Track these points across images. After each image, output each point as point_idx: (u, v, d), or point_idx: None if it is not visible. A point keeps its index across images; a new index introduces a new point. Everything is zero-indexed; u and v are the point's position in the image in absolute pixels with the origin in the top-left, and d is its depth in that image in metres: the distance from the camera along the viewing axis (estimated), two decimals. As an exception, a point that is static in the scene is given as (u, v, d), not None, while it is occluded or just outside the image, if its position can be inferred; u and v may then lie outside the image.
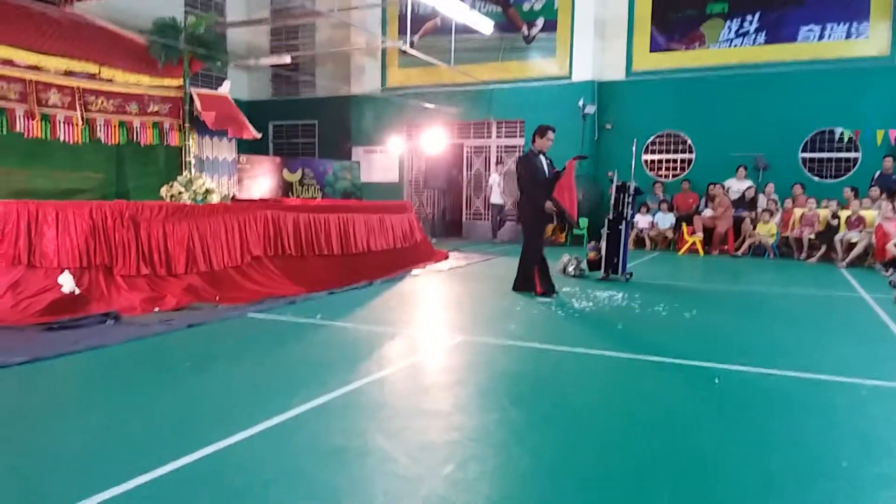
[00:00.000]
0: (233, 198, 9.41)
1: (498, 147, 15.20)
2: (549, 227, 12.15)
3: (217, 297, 6.06)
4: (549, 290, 6.85)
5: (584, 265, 8.52)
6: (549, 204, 6.72)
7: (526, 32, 14.49)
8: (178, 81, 8.71)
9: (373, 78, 16.02)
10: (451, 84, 14.86)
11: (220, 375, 3.88)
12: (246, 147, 12.67)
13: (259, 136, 9.94)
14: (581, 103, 13.43)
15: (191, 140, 8.76)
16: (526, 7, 14.48)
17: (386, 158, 15.84)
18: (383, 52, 15.83)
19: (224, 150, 9.82)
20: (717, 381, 3.22)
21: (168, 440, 2.76)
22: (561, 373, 4.02)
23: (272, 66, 16.09)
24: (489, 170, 15.28)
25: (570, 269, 8.49)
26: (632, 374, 4.06)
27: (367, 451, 2.69)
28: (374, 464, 2.58)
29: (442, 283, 7.97)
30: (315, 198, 12.78)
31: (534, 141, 7.03)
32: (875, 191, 10.68)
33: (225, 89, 9.90)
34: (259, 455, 2.64)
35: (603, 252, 8.22)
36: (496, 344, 4.69)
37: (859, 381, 3.83)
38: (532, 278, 6.92)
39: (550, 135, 6.96)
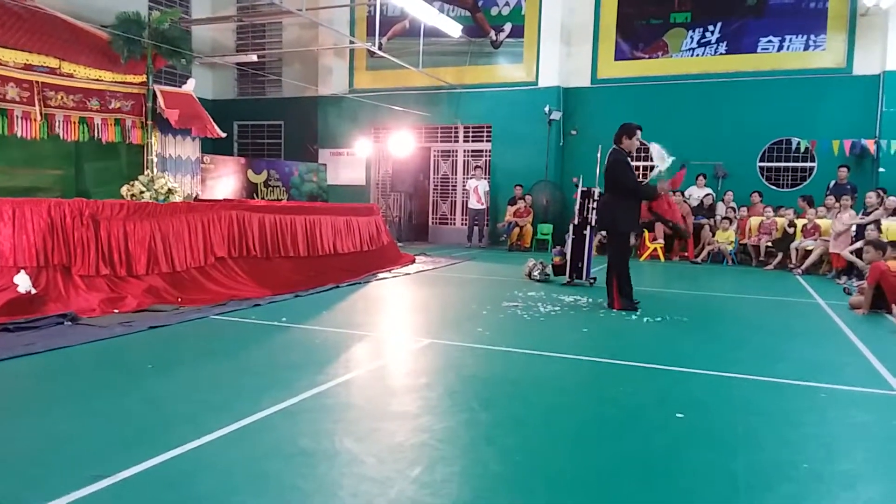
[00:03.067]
0: (196, 198, 9.25)
1: (465, 151, 15.25)
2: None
3: (179, 299, 5.95)
4: (629, 304, 6.34)
5: (549, 270, 8.60)
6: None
7: (494, 37, 14.59)
8: (142, 78, 8.54)
9: (340, 79, 15.94)
10: (418, 87, 14.87)
11: (183, 378, 3.81)
12: (210, 147, 12.50)
13: (223, 135, 9.81)
14: (547, 109, 13.57)
15: (153, 138, 8.60)
16: (494, 12, 14.57)
17: (353, 161, 15.76)
18: (351, 53, 15.77)
19: (187, 150, 9.65)
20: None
21: (129, 444, 2.70)
22: (528, 375, 4.05)
23: (238, 64, 15.90)
24: (456, 174, 15.33)
25: (536, 273, 8.56)
26: (598, 376, 4.11)
27: (335, 454, 2.67)
28: (342, 466, 2.56)
29: (409, 286, 7.96)
30: (280, 199, 12.66)
31: (620, 141, 6.53)
32: (830, 199, 11.01)
33: (189, 87, 9.74)
34: (225, 458, 2.60)
35: (568, 257, 8.31)
36: (464, 347, 4.71)
37: (817, 384, 3.94)
38: (611, 288, 6.46)
39: (639, 134, 6.51)
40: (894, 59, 11.64)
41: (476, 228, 14.10)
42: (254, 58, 14.59)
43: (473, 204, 14.07)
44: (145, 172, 8.18)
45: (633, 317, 6.05)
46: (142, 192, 7.53)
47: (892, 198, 10.34)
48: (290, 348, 4.66)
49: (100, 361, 4.11)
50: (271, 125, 17.32)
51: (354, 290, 7.33)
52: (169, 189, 7.88)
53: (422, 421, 3.12)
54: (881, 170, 11.64)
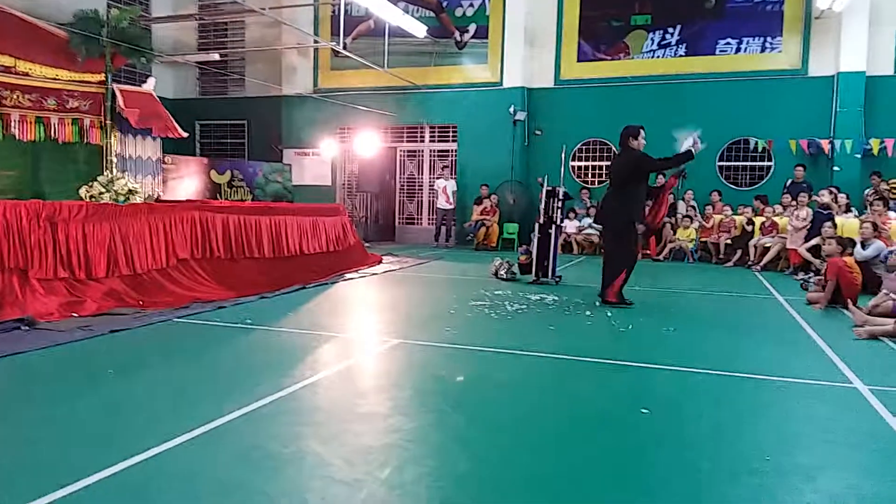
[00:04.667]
0: (157, 199, 9.08)
1: (431, 151, 15.26)
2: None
3: (141, 302, 5.84)
4: (622, 299, 6.58)
5: (515, 268, 8.66)
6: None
7: (458, 38, 14.63)
8: (100, 77, 8.35)
9: (305, 78, 15.81)
10: (384, 87, 14.83)
11: (145, 383, 3.74)
12: (171, 147, 12.23)
13: (185, 135, 9.64)
14: (512, 109, 13.66)
15: (113, 138, 8.41)
16: (458, 13, 14.61)
17: (318, 161, 15.64)
18: (316, 52, 15.65)
19: (148, 150, 9.46)
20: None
21: (88, 451, 2.64)
22: (496, 374, 4.07)
23: (200, 63, 15.66)
24: (423, 174, 15.32)
25: (502, 272, 8.61)
26: (565, 374, 4.15)
27: (302, 457, 2.65)
28: (309, 469, 2.54)
29: (376, 286, 7.93)
30: (245, 200, 12.50)
31: (628, 142, 6.70)
32: (787, 198, 11.29)
33: (149, 86, 9.55)
34: (188, 464, 2.56)
35: (534, 256, 8.37)
36: (432, 346, 4.71)
37: (777, 378, 4.04)
38: (612, 281, 6.59)
39: (643, 133, 6.71)
40: (848, 61, 12.00)
41: (444, 228, 14.10)
42: (216, 56, 14.37)
43: (442, 204, 14.06)
44: (105, 173, 8.01)
45: (599, 314, 6.13)
46: (101, 193, 7.36)
47: (842, 195, 10.67)
48: (254, 351, 4.61)
49: (58, 367, 4.01)
50: (234, 125, 17.08)
51: (321, 291, 7.28)
52: (129, 190, 7.72)
53: (391, 422, 3.11)
54: (836, 168, 11.98)
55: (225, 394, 3.43)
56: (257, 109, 16.27)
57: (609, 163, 13.73)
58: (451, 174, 14.45)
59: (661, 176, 10.16)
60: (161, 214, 6.62)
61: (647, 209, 6.96)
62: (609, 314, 6.13)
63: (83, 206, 6.02)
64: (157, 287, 6.23)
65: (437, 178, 14.50)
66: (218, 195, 12.52)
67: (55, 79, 8.06)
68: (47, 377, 3.82)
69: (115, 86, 8.51)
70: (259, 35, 16.30)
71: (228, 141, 17.23)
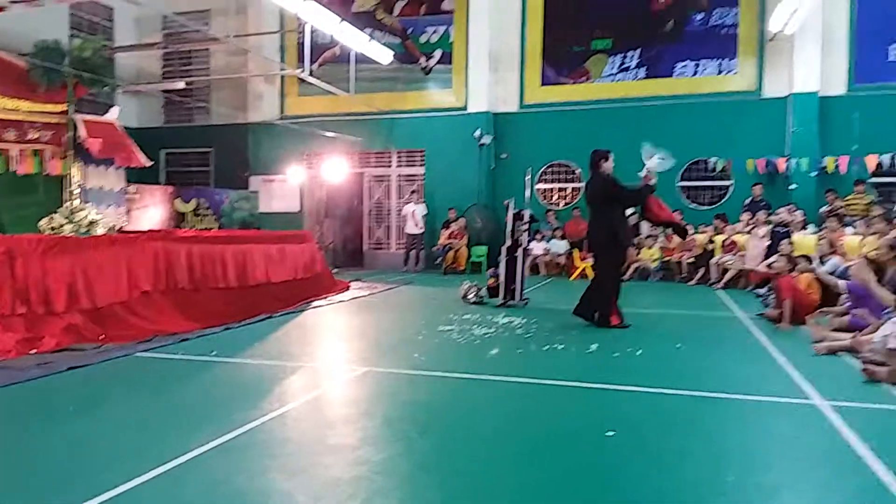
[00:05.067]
0: (120, 230, 8.96)
1: (399, 176, 15.31)
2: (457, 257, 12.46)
3: (102, 337, 5.72)
4: (623, 321, 6.75)
5: (483, 292, 8.70)
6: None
7: (424, 64, 14.79)
8: (62, 107, 8.27)
9: (271, 105, 15.79)
10: (351, 113, 14.88)
11: (106, 419, 3.67)
12: (136, 176, 12.11)
13: (149, 164, 9.58)
14: (477, 134, 13.81)
15: (74, 169, 8.31)
16: (423, 39, 14.79)
17: (285, 187, 15.57)
18: (282, 79, 15.66)
19: (111, 180, 9.37)
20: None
21: (49, 492, 2.58)
22: (466, 400, 4.08)
23: (164, 91, 15.55)
24: (391, 198, 15.35)
25: (471, 296, 8.64)
26: (532, 398, 4.18)
27: (269, 493, 2.62)
28: (276, 505, 2.52)
29: (344, 313, 7.90)
30: (211, 228, 12.39)
31: (599, 166, 6.96)
32: (746, 216, 11.58)
33: (113, 115, 9.48)
34: (152, 503, 2.52)
35: (501, 279, 8.43)
36: (402, 374, 4.71)
37: (739, 396, 4.13)
38: (609, 308, 6.77)
39: (612, 158, 7.01)
40: (801, 82, 12.40)
41: (413, 252, 14.10)
42: (181, 85, 14.30)
43: (410, 228, 14.02)
44: (66, 205, 7.90)
45: (560, 337, 6.18)
46: (62, 226, 7.25)
47: (798, 212, 10.97)
48: (220, 383, 4.55)
49: (15, 405, 3.91)
50: (200, 153, 16.94)
51: (289, 320, 7.23)
52: (91, 221, 7.61)
53: (359, 453, 3.10)
54: (792, 186, 12.32)
55: (190, 429, 3.38)
56: (223, 137, 16.18)
57: (582, 185, 13.97)
58: (420, 198, 14.49)
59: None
60: (123, 246, 6.51)
61: (635, 226, 7.10)
62: (575, 333, 6.18)
63: (42, 239, 5.90)
64: (119, 321, 6.11)
65: (406, 203, 14.52)
66: (183, 224, 12.39)
67: (15, 110, 7.97)
68: (4, 416, 3.73)
69: (77, 116, 8.44)
70: (224, 63, 16.27)
71: (194, 169, 17.07)
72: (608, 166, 6.96)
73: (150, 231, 9.00)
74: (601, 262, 7.05)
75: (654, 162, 6.93)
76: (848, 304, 6.44)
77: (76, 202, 8.19)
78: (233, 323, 6.76)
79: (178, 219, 12.44)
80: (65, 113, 8.28)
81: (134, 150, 9.23)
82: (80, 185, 8.51)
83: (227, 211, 13.45)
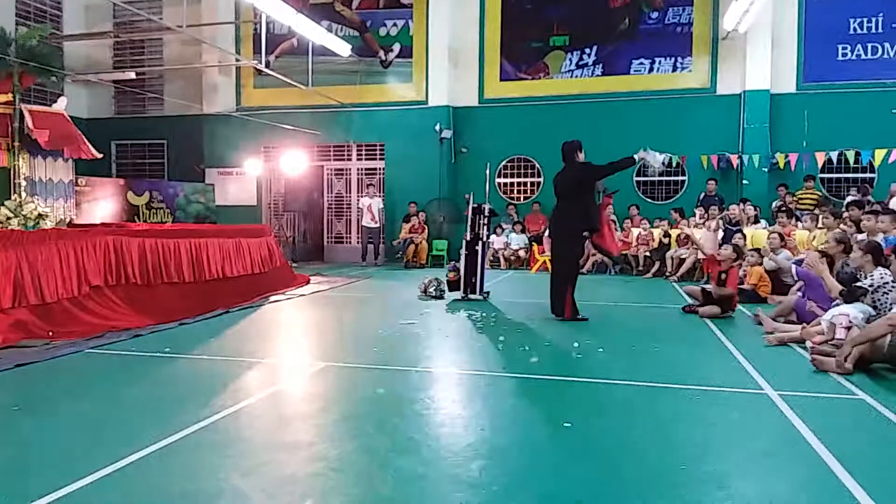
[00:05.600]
0: (70, 223, 8.69)
1: (359, 170, 15.20)
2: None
3: (50, 333, 5.54)
4: (578, 314, 6.78)
5: (444, 286, 8.69)
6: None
7: (383, 57, 14.69)
8: (7, 97, 7.97)
9: (227, 97, 15.49)
10: (309, 106, 14.70)
11: (53, 418, 3.55)
12: (85, 168, 11.77)
13: (99, 156, 9.29)
14: (438, 128, 13.79)
15: (21, 161, 8.01)
16: (382, 32, 14.68)
17: (242, 180, 15.31)
18: (238, 70, 15.37)
19: (60, 172, 9.07)
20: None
21: (-9, 497, 2.49)
22: (424, 394, 4.07)
23: (115, 81, 15.12)
24: (351, 192, 15.23)
25: (431, 289, 8.63)
26: (491, 390, 4.19)
27: (220, 492, 2.57)
28: None
29: (304, 308, 7.81)
30: (165, 222, 12.11)
31: (575, 155, 7.03)
32: (700, 210, 11.82)
33: (61, 106, 9.17)
34: (100, 505, 2.45)
35: (462, 272, 8.43)
36: (361, 368, 4.67)
37: (691, 386, 4.21)
38: (564, 298, 6.81)
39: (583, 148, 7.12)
40: (753, 80, 12.70)
41: (371, 246, 14.01)
42: (132, 75, 13.95)
43: (367, 222, 13.92)
44: (12, 197, 7.62)
45: (520, 330, 6.22)
46: (8, 219, 7.01)
47: (750, 207, 11.25)
48: (173, 381, 4.45)
49: (-43, 407, 3.76)
50: (153, 144, 16.54)
51: (245, 315, 7.11)
52: (39, 214, 7.37)
53: (315, 449, 3.06)
54: (745, 182, 12.63)
55: (140, 427, 3.29)
56: (178, 128, 15.81)
57: (541, 180, 14.07)
58: (378, 192, 14.40)
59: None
60: (72, 240, 6.30)
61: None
62: (534, 326, 6.23)
63: (-14, 233, 5.69)
64: (69, 316, 5.93)
65: (363, 197, 14.43)
66: (136, 217, 12.09)
67: (-44, 100, 7.64)
68: (-56, 418, 3.58)
69: (23, 106, 8.14)
70: (178, 53, 15.89)
71: (147, 161, 16.66)
72: (582, 156, 7.08)
73: (100, 224, 8.75)
74: (563, 253, 7.06)
75: (653, 155, 7.10)
76: (799, 292, 6.64)
77: (23, 195, 7.92)
78: (188, 318, 6.63)
79: (131, 212, 12.12)
80: (10, 103, 7.98)
81: (83, 141, 8.95)
82: (27, 178, 8.21)
83: (181, 204, 13.17)
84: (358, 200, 14.77)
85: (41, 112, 8.63)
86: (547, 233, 8.06)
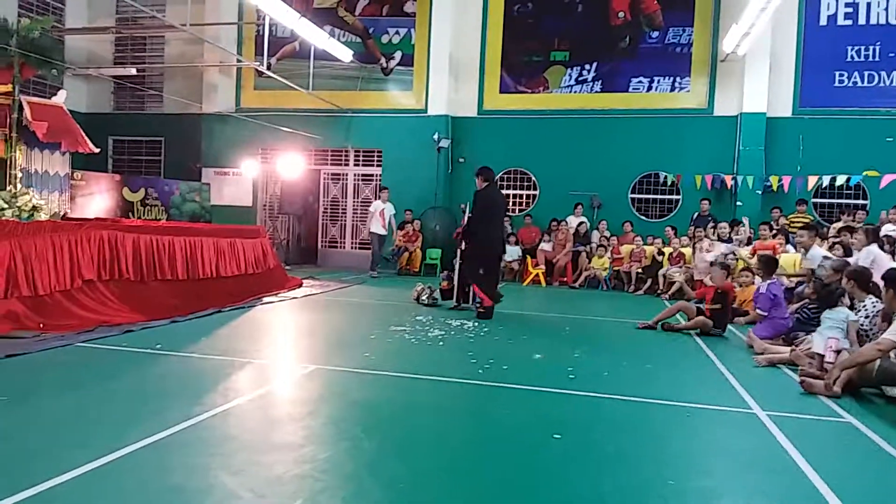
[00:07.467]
0: (64, 216, 8.67)
1: (355, 175, 15.22)
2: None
3: (41, 325, 5.52)
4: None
5: (436, 294, 8.70)
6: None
7: (384, 64, 14.74)
8: (7, 88, 7.95)
9: (226, 97, 15.50)
10: (309, 109, 14.72)
11: (42, 410, 3.54)
12: (82, 162, 11.73)
13: (97, 151, 9.28)
14: (436, 137, 13.83)
15: (18, 152, 7.99)
16: (385, 40, 14.75)
17: (239, 181, 15.29)
18: (239, 71, 15.39)
19: (56, 165, 9.05)
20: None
21: (-22, 486, 2.48)
22: (414, 400, 4.07)
23: (115, 77, 15.12)
24: (347, 197, 15.23)
25: (424, 297, 8.64)
26: (481, 400, 4.20)
27: (209, 490, 2.57)
28: (215, 503, 2.47)
29: (295, 311, 7.80)
30: (159, 220, 12.08)
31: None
32: (693, 229, 11.89)
33: (60, 99, 9.16)
34: (86, 499, 2.44)
35: (455, 282, 8.45)
36: (350, 372, 4.67)
37: (681, 403, 4.23)
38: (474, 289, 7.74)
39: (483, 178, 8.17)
40: (750, 102, 12.81)
41: (378, 254, 13.04)
42: (132, 71, 13.94)
43: (377, 228, 12.82)
44: (8, 188, 7.60)
45: (511, 341, 6.24)
46: (3, 209, 6.98)
47: (743, 228, 11.33)
48: (163, 377, 4.43)
49: (-55, 395, 3.74)
50: (150, 141, 16.52)
51: (238, 315, 7.10)
52: (34, 206, 7.36)
53: (304, 451, 3.06)
54: (738, 203, 12.71)
55: (128, 422, 3.28)
56: (176, 126, 15.80)
57: (537, 193, 14.13)
58: (387, 197, 13.25)
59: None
60: (66, 233, 6.29)
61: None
62: (524, 338, 6.25)
63: (-20, 222, 5.67)
64: (61, 309, 5.90)
65: (376, 200, 13.34)
66: (131, 214, 12.06)
67: (-45, 88, 7.63)
68: (-69, 406, 3.56)
69: (22, 97, 8.13)
70: (179, 51, 15.90)
71: (143, 158, 16.63)
72: (478, 183, 8.10)
73: (95, 219, 8.73)
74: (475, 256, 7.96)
75: None
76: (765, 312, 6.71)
77: (19, 186, 7.89)
78: (179, 316, 6.61)
79: (126, 208, 12.09)
80: (9, 94, 7.96)
81: (81, 135, 8.94)
82: (23, 169, 8.19)
83: (176, 202, 13.13)
84: (356, 206, 14.60)
85: (40, 104, 8.63)
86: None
